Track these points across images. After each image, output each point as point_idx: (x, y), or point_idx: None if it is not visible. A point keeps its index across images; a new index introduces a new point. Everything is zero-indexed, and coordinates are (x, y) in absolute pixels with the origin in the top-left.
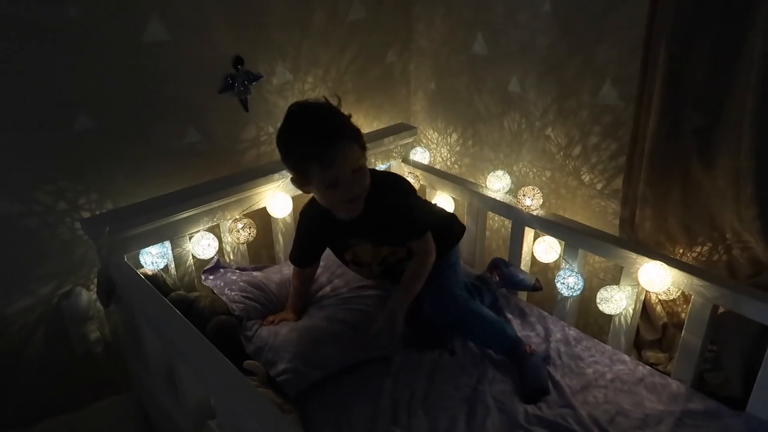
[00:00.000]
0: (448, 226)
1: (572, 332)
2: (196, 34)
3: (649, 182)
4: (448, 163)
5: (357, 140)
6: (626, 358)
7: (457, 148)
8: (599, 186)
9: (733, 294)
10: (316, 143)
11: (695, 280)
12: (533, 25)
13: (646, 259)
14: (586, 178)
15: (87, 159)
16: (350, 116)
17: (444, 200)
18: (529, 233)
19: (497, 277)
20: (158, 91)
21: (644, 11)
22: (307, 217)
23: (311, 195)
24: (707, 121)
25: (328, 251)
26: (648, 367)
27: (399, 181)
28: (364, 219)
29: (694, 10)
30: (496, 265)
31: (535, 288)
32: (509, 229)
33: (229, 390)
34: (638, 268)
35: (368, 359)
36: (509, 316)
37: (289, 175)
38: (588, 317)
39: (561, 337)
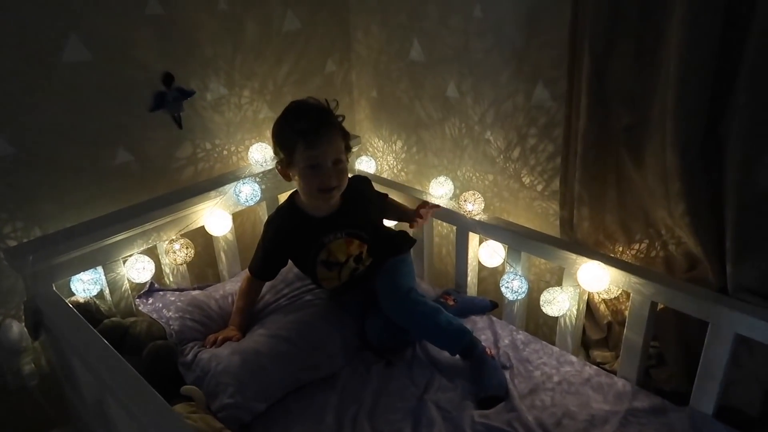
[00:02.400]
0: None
1: (520, 336)
2: (120, 52)
3: (584, 182)
4: (395, 171)
5: (343, 135)
6: (573, 358)
7: (403, 156)
8: (539, 188)
9: (669, 290)
10: (307, 124)
11: (633, 278)
12: (466, 30)
13: (585, 259)
14: (526, 180)
15: (9, 186)
16: (343, 118)
17: None
18: (473, 238)
19: (452, 302)
20: (83, 111)
21: (569, 13)
22: (275, 224)
23: (273, 209)
24: (635, 119)
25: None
26: (595, 366)
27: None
28: (340, 213)
29: (612, 11)
30: (448, 293)
31: (493, 305)
32: None
33: (159, 427)
34: (578, 269)
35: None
36: None
37: (226, 193)
38: (537, 319)
39: (509, 342)
